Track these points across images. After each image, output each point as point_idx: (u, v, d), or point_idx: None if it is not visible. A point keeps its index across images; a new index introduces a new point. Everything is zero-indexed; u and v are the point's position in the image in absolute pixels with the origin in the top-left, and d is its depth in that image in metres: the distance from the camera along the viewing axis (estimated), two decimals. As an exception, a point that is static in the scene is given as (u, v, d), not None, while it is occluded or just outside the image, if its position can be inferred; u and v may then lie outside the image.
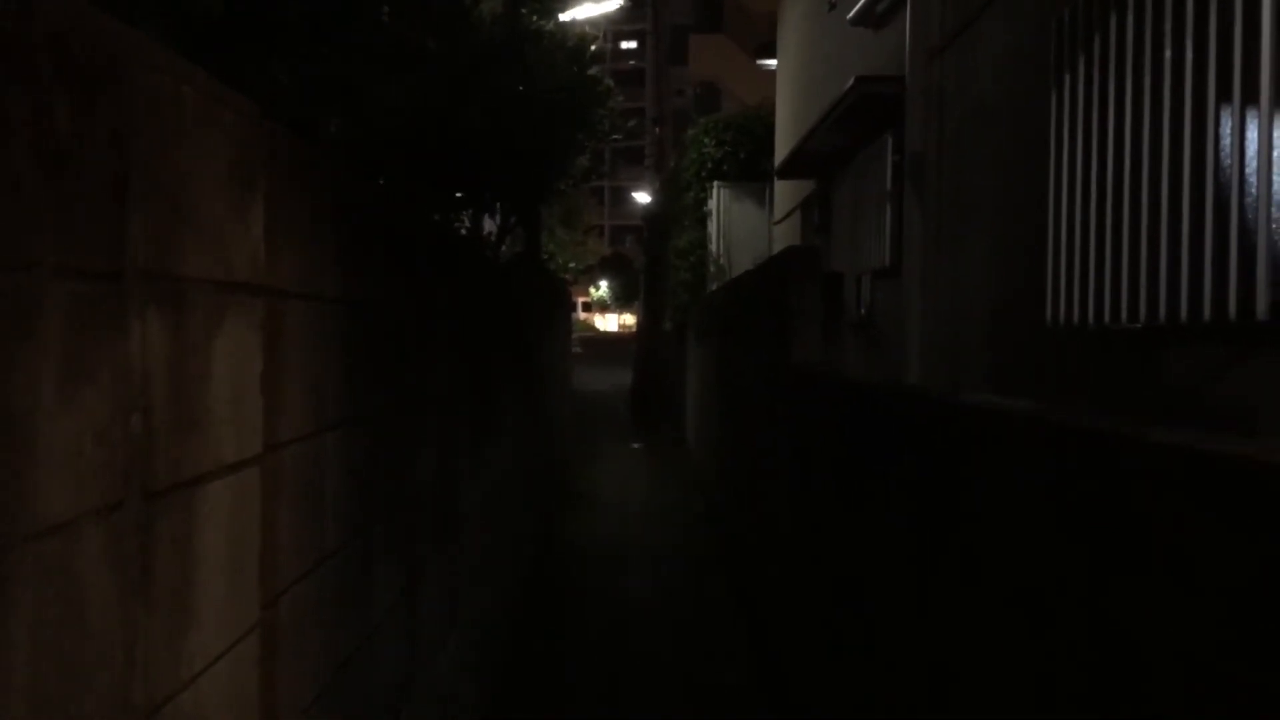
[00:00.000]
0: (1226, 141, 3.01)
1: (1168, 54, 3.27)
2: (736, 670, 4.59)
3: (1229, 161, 2.99)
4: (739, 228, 14.50)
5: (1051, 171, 4.11)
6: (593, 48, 6.46)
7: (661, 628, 5.22)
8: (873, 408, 2.54)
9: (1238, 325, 2.92)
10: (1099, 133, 3.71)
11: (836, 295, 8.16)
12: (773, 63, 15.25)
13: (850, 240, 8.21)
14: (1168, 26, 3.27)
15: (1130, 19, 3.50)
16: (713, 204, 14.94)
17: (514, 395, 4.93)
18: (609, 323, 56.68)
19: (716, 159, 15.19)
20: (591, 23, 8.16)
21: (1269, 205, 2.83)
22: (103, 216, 0.95)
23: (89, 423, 0.93)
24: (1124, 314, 3.48)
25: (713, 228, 14.99)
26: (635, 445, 12.93)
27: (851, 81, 6.73)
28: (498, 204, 6.56)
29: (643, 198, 16.64)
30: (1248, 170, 2.91)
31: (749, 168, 14.88)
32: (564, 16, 6.26)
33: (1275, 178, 2.82)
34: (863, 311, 7.86)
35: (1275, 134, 2.81)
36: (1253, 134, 2.89)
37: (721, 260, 14.50)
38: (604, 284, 52.10)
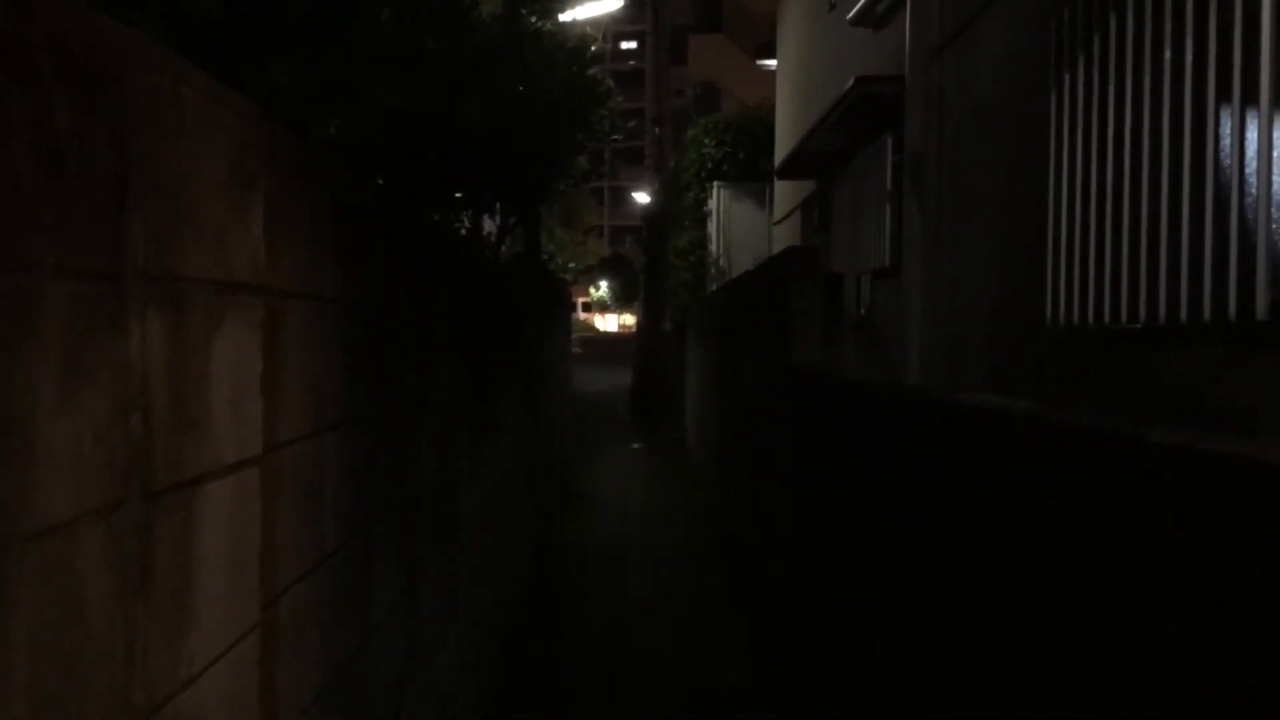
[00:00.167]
0: (1226, 142, 3.01)
1: (1167, 54, 3.27)
2: (736, 670, 4.59)
3: (1229, 162, 2.99)
4: (739, 228, 14.50)
5: (1051, 171, 4.11)
6: (593, 48, 6.46)
7: (661, 627, 5.22)
8: (873, 408, 2.54)
9: (1237, 325, 2.92)
10: (1099, 133, 3.71)
11: (836, 295, 8.16)
12: (772, 63, 15.26)
13: (850, 240, 8.21)
14: (1167, 27, 3.27)
15: (1130, 19, 3.50)
16: (712, 204, 14.94)
17: (514, 395, 4.93)
18: (609, 323, 56.68)
19: (716, 159, 15.19)
20: (592, 23, 8.16)
21: (1269, 205, 2.82)
22: (102, 216, 0.95)
23: (89, 423, 0.93)
24: (1124, 314, 3.48)
25: (712, 228, 14.99)
26: (635, 445, 12.93)
27: (851, 81, 6.73)
28: (498, 204, 6.55)
29: (643, 198, 16.63)
30: (1248, 170, 2.91)
31: (749, 168, 14.88)
32: (564, 17, 6.26)
33: (1275, 178, 2.82)
34: (863, 311, 7.86)
35: (1275, 134, 2.81)
36: (1253, 134, 2.89)
37: (721, 260, 14.50)
38: (604, 284, 52.10)
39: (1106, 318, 3.59)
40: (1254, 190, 2.89)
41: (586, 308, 57.21)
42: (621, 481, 9.98)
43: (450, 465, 2.96)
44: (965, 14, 5.61)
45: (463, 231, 6.01)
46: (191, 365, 1.15)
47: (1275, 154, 2.82)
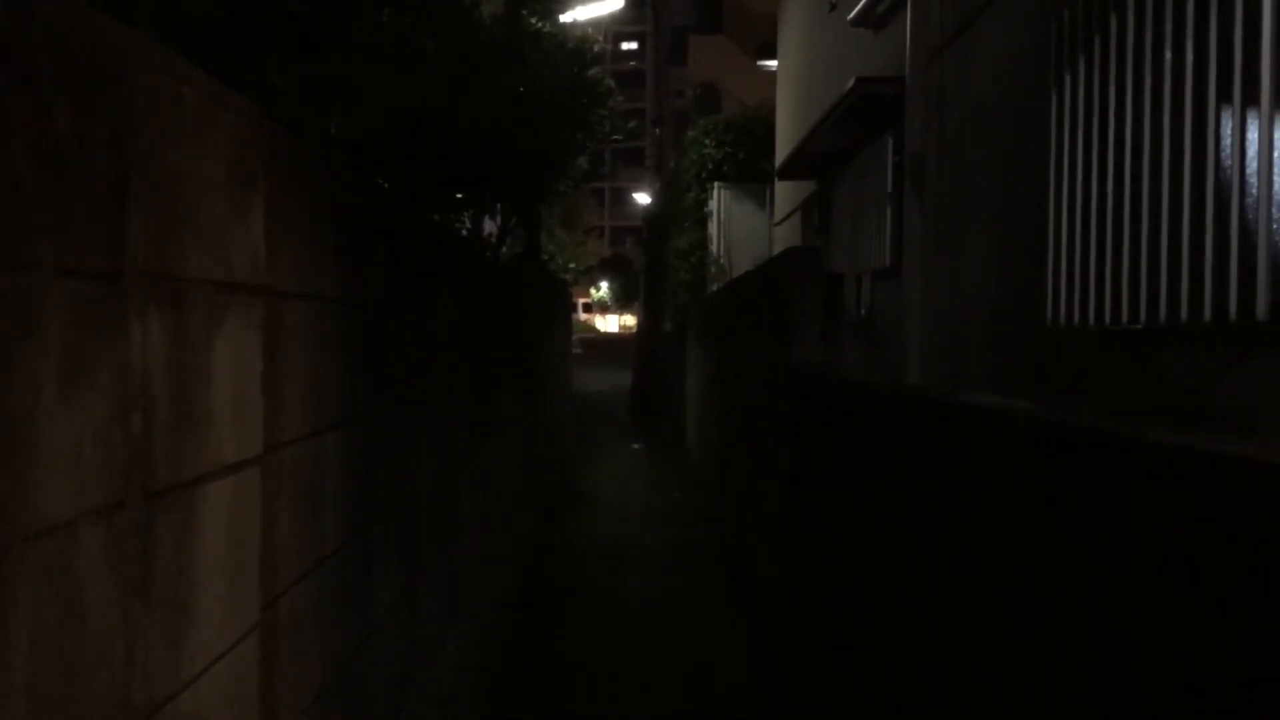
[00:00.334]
0: (1227, 142, 3.01)
1: (1168, 55, 3.27)
2: (736, 670, 4.59)
3: (1229, 162, 2.99)
4: (739, 228, 14.50)
5: (1052, 171, 4.11)
6: (594, 49, 6.46)
7: (661, 627, 5.22)
8: (873, 408, 2.54)
9: (1238, 326, 2.92)
10: (1099, 133, 3.71)
11: (837, 296, 8.16)
12: (773, 64, 15.26)
13: (850, 241, 8.21)
14: (1168, 27, 3.27)
15: (1130, 19, 3.50)
16: (713, 205, 14.94)
17: (514, 395, 4.93)
18: (609, 323, 56.68)
19: (717, 160, 15.19)
20: (592, 23, 8.16)
21: (1269, 206, 2.82)
22: (103, 216, 0.95)
23: (89, 423, 0.93)
24: (1124, 314, 3.48)
25: (713, 228, 14.99)
26: (635, 446, 12.92)
27: (852, 82, 6.73)
28: (498, 205, 6.55)
29: (643, 199, 16.63)
30: (1248, 171, 2.91)
31: (749, 168, 14.88)
32: (564, 17, 6.26)
33: (1276, 178, 2.82)
34: (863, 312, 7.86)
35: (1276, 134, 2.81)
36: (1253, 135, 2.89)
37: (722, 261, 14.50)
38: (604, 285, 52.11)
39: (1107, 318, 3.59)
40: (1255, 190, 2.89)
41: (587, 308, 57.21)
42: (621, 481, 9.98)
43: (450, 465, 2.96)
44: (965, 14, 5.61)
45: (463, 232, 6.01)
46: (192, 365, 1.15)
47: (1276, 154, 2.82)
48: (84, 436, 0.92)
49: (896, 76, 6.49)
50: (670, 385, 14.77)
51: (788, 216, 12.31)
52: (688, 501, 8.81)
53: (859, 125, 7.32)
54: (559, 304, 9.49)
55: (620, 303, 50.05)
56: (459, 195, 5.45)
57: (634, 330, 20.59)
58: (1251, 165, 2.90)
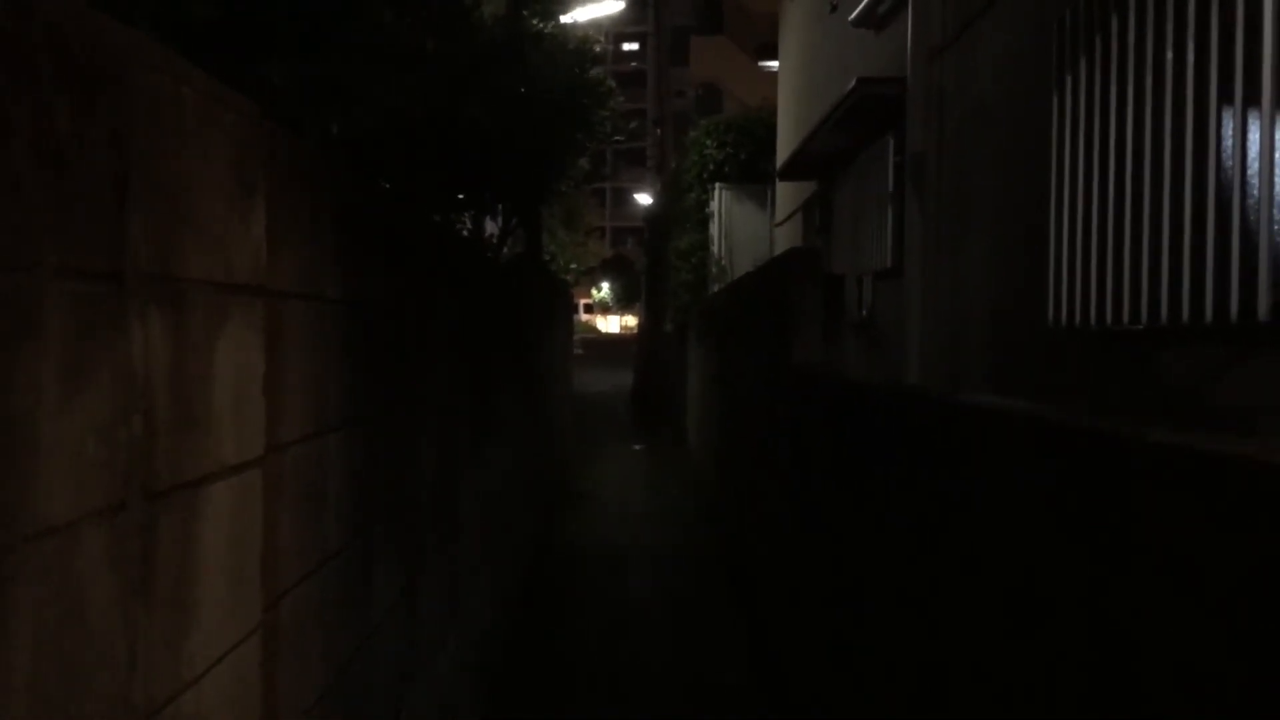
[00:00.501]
0: (1228, 143, 3.01)
1: (1169, 55, 3.26)
2: (736, 670, 4.59)
3: (1231, 163, 2.99)
4: (740, 229, 14.49)
5: (1053, 172, 4.11)
6: (595, 49, 6.46)
7: (661, 628, 5.22)
8: (873, 408, 2.54)
9: (1239, 326, 2.92)
10: (1100, 134, 3.71)
11: (838, 296, 8.16)
12: (774, 64, 15.25)
13: (851, 241, 8.21)
14: (1169, 28, 3.27)
15: (1131, 20, 3.49)
16: (714, 205, 14.93)
17: (515, 396, 4.93)
18: (610, 324, 56.68)
19: (718, 160, 15.19)
20: (593, 24, 8.16)
21: (1270, 206, 2.82)
22: (103, 217, 0.95)
23: (90, 423, 0.93)
24: (1125, 315, 3.48)
25: (714, 229, 14.99)
26: (636, 446, 12.92)
27: (853, 82, 6.73)
28: (499, 205, 6.55)
29: (644, 199, 16.64)
30: (1249, 172, 2.91)
31: (750, 169, 14.87)
32: (565, 18, 6.26)
33: (1277, 179, 2.81)
34: (864, 312, 7.85)
35: (1277, 135, 2.81)
36: (1254, 135, 2.89)
37: (723, 261, 14.49)
38: (605, 285, 52.11)
39: (1108, 318, 3.59)
40: (1256, 192, 2.89)
41: (588, 309, 57.22)
42: (622, 482, 9.98)
43: (451, 466, 2.96)
44: (966, 15, 5.61)
45: (464, 232, 6.01)
46: (193, 366, 1.15)
47: (1277, 155, 2.82)
48: (85, 437, 0.92)
49: (898, 77, 6.49)
50: (671, 386, 14.78)
51: (789, 217, 12.31)
52: (688, 502, 8.81)
53: (860, 126, 7.31)
54: (560, 304, 9.49)
55: (621, 303, 50.06)
56: (460, 196, 5.45)
57: (635, 331, 20.60)
58: (1253, 166, 2.90)
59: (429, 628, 2.62)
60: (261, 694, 1.38)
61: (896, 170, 6.76)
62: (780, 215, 13.23)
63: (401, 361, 2.26)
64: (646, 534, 7.56)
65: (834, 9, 9.22)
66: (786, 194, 12.48)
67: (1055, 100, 4.09)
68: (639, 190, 19.79)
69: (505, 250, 7.48)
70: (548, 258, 12.67)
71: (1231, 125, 2.99)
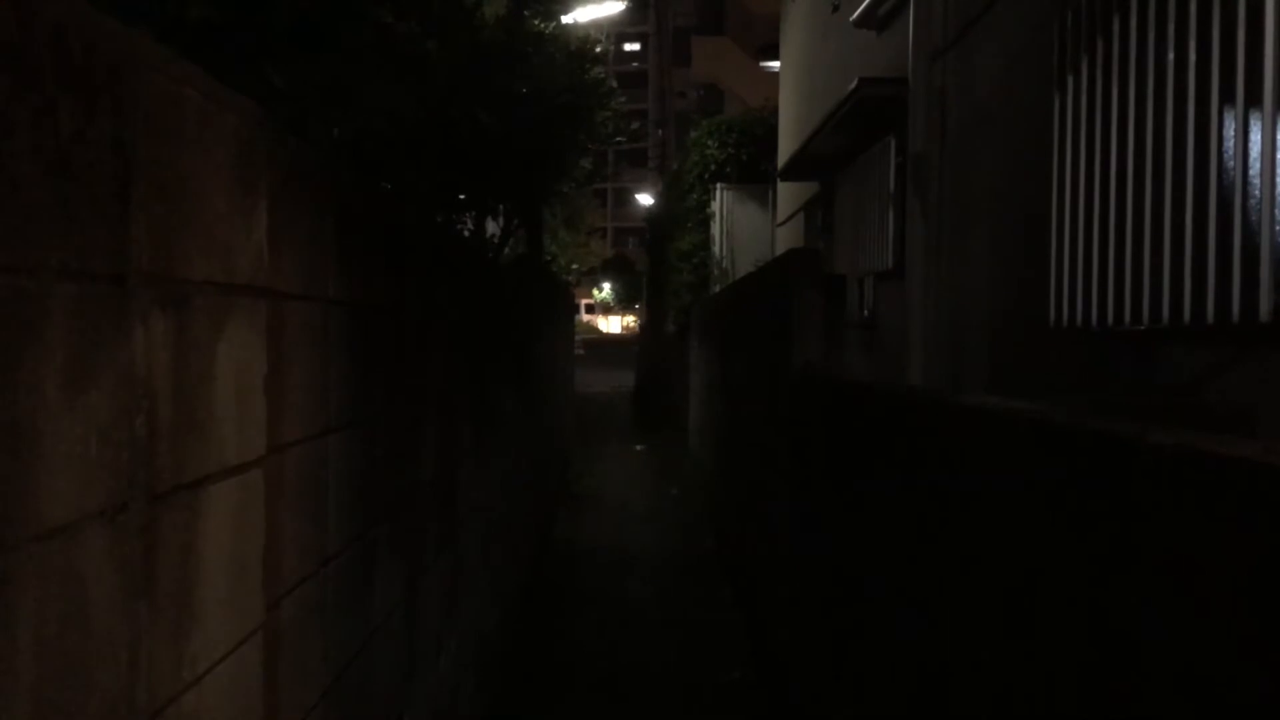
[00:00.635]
0: (1230, 143, 3.01)
1: (1170, 55, 3.26)
2: (737, 669, 4.59)
3: (1232, 163, 2.99)
4: (742, 229, 14.49)
5: (1054, 173, 4.11)
6: (596, 49, 6.46)
7: (661, 629, 5.22)
8: (874, 409, 2.54)
9: (1240, 327, 2.92)
10: (1102, 134, 3.71)
11: (839, 297, 8.15)
12: (775, 64, 15.25)
13: (853, 242, 8.20)
14: (1170, 28, 3.27)
15: (1133, 20, 3.49)
16: (715, 206, 14.93)
17: (516, 397, 4.93)
18: (612, 324, 56.69)
19: (719, 161, 15.18)
20: (595, 25, 8.15)
21: (1272, 207, 2.82)
22: (105, 219, 0.95)
23: (93, 425, 0.93)
24: (1127, 315, 3.47)
25: (715, 229, 14.99)
26: (638, 446, 12.92)
27: (854, 83, 6.73)
28: (500, 206, 6.55)
29: (646, 200, 16.64)
30: (1251, 173, 2.91)
31: (751, 170, 14.87)
32: (567, 18, 6.26)
33: (1279, 179, 2.81)
34: (865, 313, 7.85)
35: (1278, 136, 2.81)
36: (1256, 136, 2.89)
37: (724, 262, 14.49)
38: (607, 286, 52.12)
39: (1109, 319, 3.59)
40: (1258, 192, 2.89)
41: (590, 309, 57.24)
42: (624, 483, 9.98)
43: (451, 466, 2.96)
44: (968, 15, 5.61)
45: (465, 233, 6.01)
46: (195, 367, 1.15)
47: (1279, 155, 2.81)
48: (88, 438, 0.92)
49: (899, 77, 6.49)
50: (673, 386, 14.78)
51: (790, 218, 12.31)
52: (690, 502, 8.81)
53: (861, 126, 7.31)
54: (562, 305, 9.50)
55: (623, 304, 50.08)
56: (461, 196, 5.45)
57: (636, 331, 20.60)
58: (1254, 166, 2.90)
59: (430, 627, 2.62)
60: (263, 694, 1.39)
61: (898, 171, 6.76)
62: (782, 215, 13.23)
63: (402, 362, 2.26)
64: (647, 534, 7.57)
65: (835, 9, 9.22)
66: (788, 194, 12.47)
67: (1056, 100, 4.09)
68: (640, 191, 19.80)
69: (507, 251, 7.48)
70: (549, 258, 12.67)
71: (1233, 125, 2.99)
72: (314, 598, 1.60)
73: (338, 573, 1.74)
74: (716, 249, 14.92)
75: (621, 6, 11.62)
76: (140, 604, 1.02)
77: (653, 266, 15.65)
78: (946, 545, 1.88)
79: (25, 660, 0.83)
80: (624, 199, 49.87)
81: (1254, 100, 2.89)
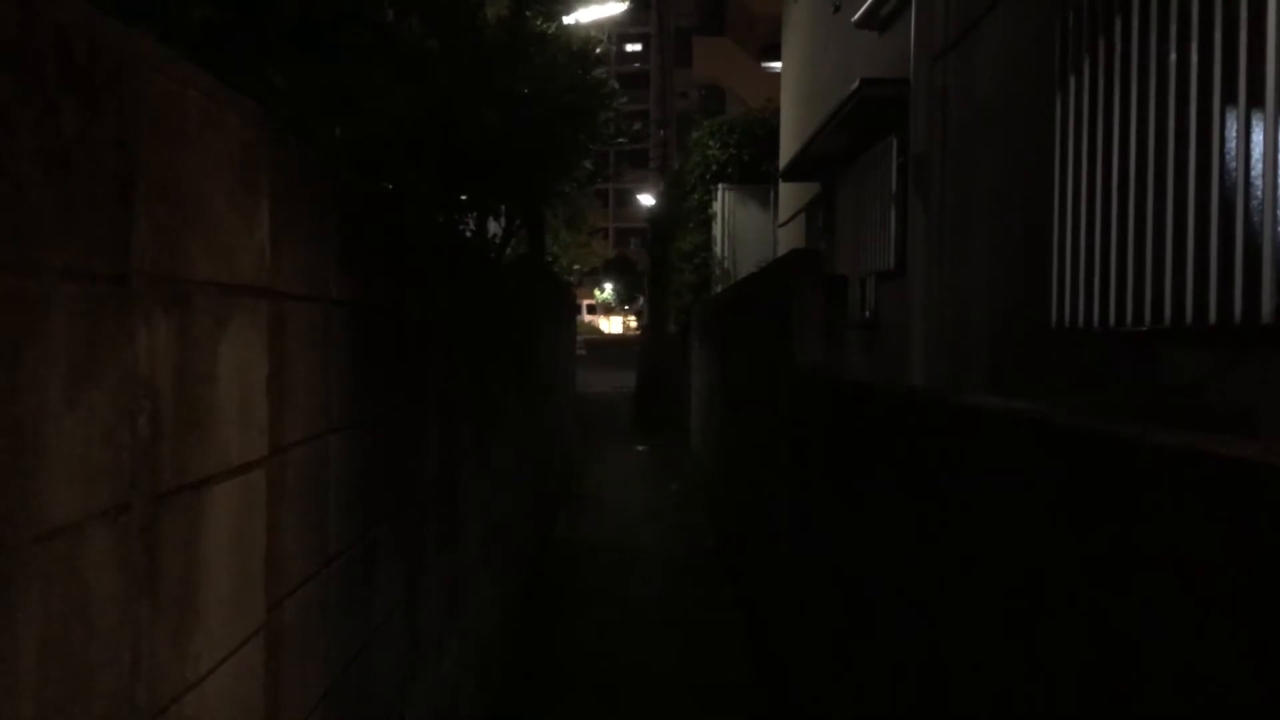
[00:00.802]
0: (1232, 144, 3.01)
1: (1172, 56, 3.26)
2: (737, 669, 4.59)
3: (1234, 164, 2.99)
4: (743, 230, 14.49)
5: (1056, 173, 4.11)
6: (598, 50, 6.45)
7: (662, 629, 5.22)
8: (875, 409, 2.54)
9: (1242, 328, 2.91)
10: (1104, 134, 3.71)
11: (841, 297, 8.15)
12: (777, 65, 15.24)
13: (855, 242, 8.20)
14: (1173, 29, 3.27)
15: (1135, 21, 3.49)
16: (717, 206, 14.93)
17: (517, 398, 4.93)
18: (613, 325, 56.70)
19: (721, 161, 15.18)
20: (596, 25, 8.15)
21: (1274, 208, 2.82)
22: (108, 219, 0.96)
23: (96, 425, 0.93)
24: (1128, 316, 3.47)
25: (717, 230, 14.98)
26: (639, 447, 12.92)
27: (856, 83, 6.73)
28: (502, 206, 6.55)
29: (647, 200, 16.65)
30: (1253, 173, 2.91)
31: (753, 170, 14.86)
32: (569, 19, 6.26)
33: (1280, 180, 2.81)
34: (867, 314, 7.85)
35: (1280, 136, 2.80)
36: (1258, 136, 2.89)
37: (726, 262, 14.49)
38: (608, 286, 52.15)
39: (1111, 319, 3.59)
40: (1260, 194, 2.89)
41: (591, 310, 57.26)
42: (624, 483, 9.98)
43: (453, 467, 2.96)
44: (970, 16, 5.61)
45: (467, 233, 6.01)
46: (197, 367, 1.15)
47: (1280, 156, 2.81)
48: (91, 439, 0.92)
49: (901, 78, 6.49)
50: (674, 386, 14.77)
51: (792, 218, 12.31)
52: (690, 502, 8.81)
53: (863, 127, 7.31)
54: (563, 305, 9.50)
55: (624, 304, 50.10)
56: (463, 197, 5.46)
57: (638, 331, 20.61)
58: (1257, 167, 2.90)
59: (431, 628, 2.62)
60: (265, 694, 1.39)
61: (899, 171, 6.76)
62: (783, 216, 13.23)
63: (404, 362, 2.26)
64: (648, 534, 7.57)
65: (837, 10, 9.22)
66: (789, 195, 12.47)
67: (1058, 101, 4.09)
68: (642, 191, 19.82)
69: (509, 251, 7.48)
70: (551, 258, 12.67)
71: (1235, 126, 2.99)
72: (315, 598, 1.61)
73: (339, 573, 1.74)
74: (718, 249, 14.92)
75: (623, 7, 11.62)
76: (142, 604, 1.02)
77: (654, 267, 15.65)
78: (947, 545, 1.88)
79: (28, 660, 0.83)
80: (625, 199, 49.89)
81: (1256, 100, 2.89)
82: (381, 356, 2.05)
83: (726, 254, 14.57)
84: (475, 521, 3.43)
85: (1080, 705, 1.30)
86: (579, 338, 18.09)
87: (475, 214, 6.02)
